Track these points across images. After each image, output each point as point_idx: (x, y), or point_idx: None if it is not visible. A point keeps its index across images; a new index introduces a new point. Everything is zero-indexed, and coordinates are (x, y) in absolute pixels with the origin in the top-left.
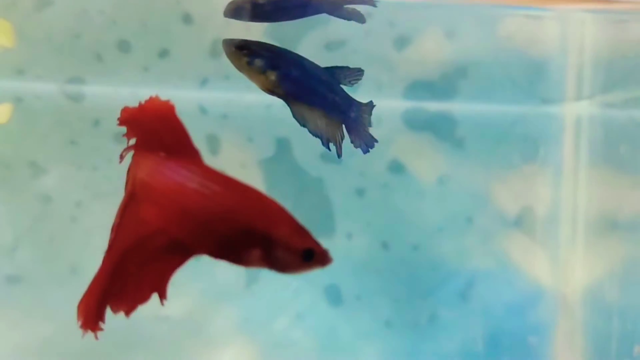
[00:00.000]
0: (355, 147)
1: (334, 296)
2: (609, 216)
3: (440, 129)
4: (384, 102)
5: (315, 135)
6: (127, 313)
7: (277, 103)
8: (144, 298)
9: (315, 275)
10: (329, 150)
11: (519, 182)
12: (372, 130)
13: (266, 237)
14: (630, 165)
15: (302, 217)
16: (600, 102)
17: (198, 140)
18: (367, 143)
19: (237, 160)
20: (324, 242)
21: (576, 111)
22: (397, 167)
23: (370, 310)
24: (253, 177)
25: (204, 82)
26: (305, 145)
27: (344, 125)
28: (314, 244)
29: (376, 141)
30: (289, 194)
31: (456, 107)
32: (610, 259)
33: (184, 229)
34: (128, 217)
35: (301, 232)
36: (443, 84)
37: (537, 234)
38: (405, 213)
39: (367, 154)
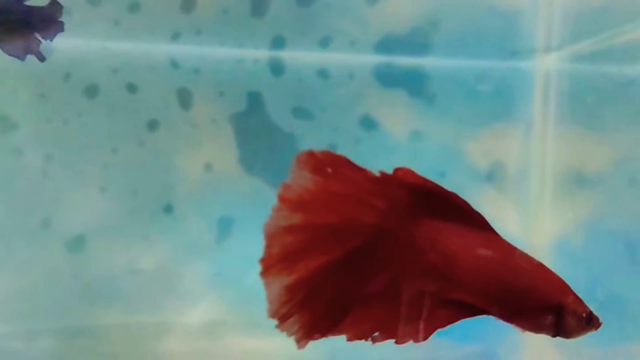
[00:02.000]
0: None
1: None
2: (576, 171)
3: (412, 84)
4: (356, 57)
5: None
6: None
7: (249, 58)
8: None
9: None
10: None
11: (491, 138)
12: (343, 86)
13: (559, 305)
14: (598, 120)
15: (274, 172)
16: (569, 54)
17: (169, 95)
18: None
19: (209, 114)
20: None
21: (546, 66)
22: (369, 123)
23: None
24: (224, 132)
25: (175, 36)
26: (278, 100)
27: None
28: (589, 308)
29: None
30: (261, 149)
31: (428, 62)
32: (577, 212)
33: (494, 296)
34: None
35: (579, 298)
36: (415, 39)
37: (508, 188)
38: (378, 168)
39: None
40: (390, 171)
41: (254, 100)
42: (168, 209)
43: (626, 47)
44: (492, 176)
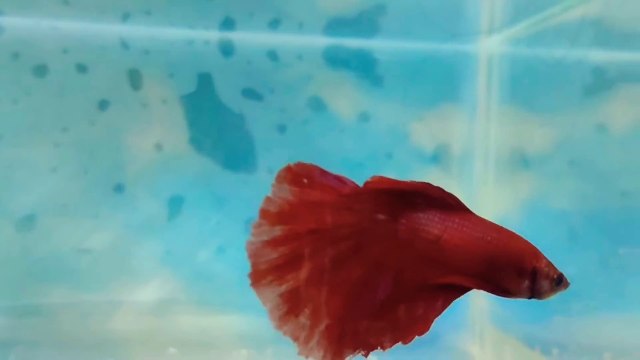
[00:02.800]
0: None
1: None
2: (518, 152)
3: (360, 66)
4: (305, 39)
5: None
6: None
7: (199, 39)
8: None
9: (236, 209)
10: None
11: (436, 120)
12: (292, 67)
13: (534, 270)
14: (538, 103)
15: (224, 153)
16: (511, 37)
17: (120, 76)
18: None
19: (159, 95)
20: (246, 178)
21: (489, 49)
22: (317, 104)
23: None
24: (174, 113)
25: (125, 17)
26: (227, 81)
27: None
28: (559, 270)
29: None
30: (211, 130)
31: (375, 44)
32: (518, 192)
33: (477, 271)
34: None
35: (550, 262)
36: (362, 22)
37: (453, 168)
38: (326, 149)
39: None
40: (337, 152)
41: (204, 81)
42: (119, 188)
43: (560, 29)
44: (437, 157)
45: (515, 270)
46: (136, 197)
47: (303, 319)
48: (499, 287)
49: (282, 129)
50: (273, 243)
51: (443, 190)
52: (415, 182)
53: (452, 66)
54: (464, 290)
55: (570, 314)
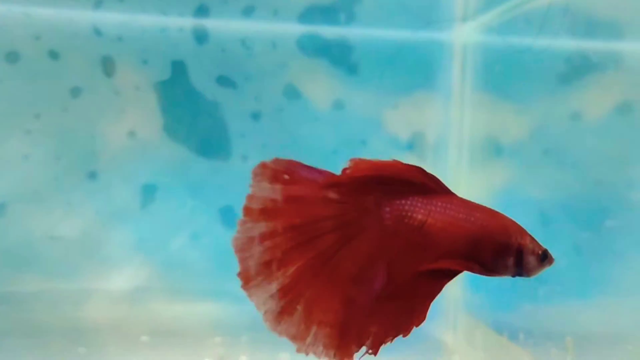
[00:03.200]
0: None
1: (228, 217)
2: (493, 140)
3: (334, 54)
4: (279, 26)
5: None
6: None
7: (173, 26)
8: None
9: (210, 197)
10: None
11: (411, 107)
12: (267, 55)
13: (519, 248)
14: (513, 91)
15: (198, 140)
16: (484, 25)
17: (93, 63)
18: None
19: (132, 82)
20: (220, 165)
21: (464, 37)
22: (292, 92)
23: None
24: (148, 100)
25: (98, 3)
26: (201, 68)
27: None
28: (543, 247)
29: None
30: (185, 117)
31: (350, 32)
32: (492, 180)
33: (464, 252)
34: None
35: (534, 238)
36: (338, 9)
37: (427, 156)
38: (301, 136)
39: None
40: (312, 139)
41: (178, 68)
42: (92, 175)
43: (532, 17)
44: (412, 144)
45: (501, 248)
46: (109, 184)
47: (297, 316)
48: (486, 267)
49: (256, 116)
50: (259, 238)
51: (424, 173)
52: (395, 163)
53: (427, 54)
54: (453, 274)
55: (537, 301)
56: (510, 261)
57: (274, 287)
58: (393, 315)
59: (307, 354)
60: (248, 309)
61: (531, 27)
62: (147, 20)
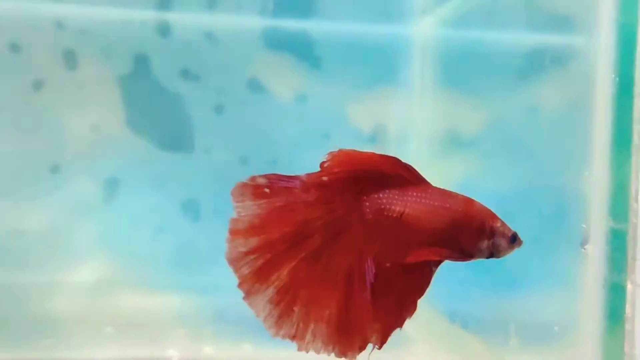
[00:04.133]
0: None
1: (192, 211)
2: (453, 133)
3: (298, 47)
4: (243, 20)
5: None
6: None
7: (136, 19)
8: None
9: (174, 190)
10: None
11: (374, 101)
12: (230, 48)
13: (491, 231)
14: (472, 85)
15: (161, 133)
16: (444, 18)
17: (55, 56)
18: None
19: (95, 76)
20: (183, 158)
21: (423, 31)
22: (255, 85)
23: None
24: (111, 93)
25: None
26: (164, 62)
27: None
28: (513, 230)
29: None
30: (148, 110)
31: (314, 26)
32: (452, 172)
33: (441, 238)
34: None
35: (503, 221)
36: (300, 3)
37: (390, 149)
38: (264, 129)
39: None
40: (276, 132)
41: (141, 61)
42: (55, 169)
43: (489, 10)
44: (375, 138)
45: (475, 232)
46: (73, 178)
47: (295, 317)
48: (462, 251)
49: (219, 109)
50: (251, 251)
51: (399, 163)
52: (371, 155)
53: (389, 48)
54: (436, 264)
55: (487, 290)
56: (484, 244)
57: (270, 291)
58: (389, 308)
59: (307, 351)
60: (212, 301)
61: (489, 21)
62: (110, 14)
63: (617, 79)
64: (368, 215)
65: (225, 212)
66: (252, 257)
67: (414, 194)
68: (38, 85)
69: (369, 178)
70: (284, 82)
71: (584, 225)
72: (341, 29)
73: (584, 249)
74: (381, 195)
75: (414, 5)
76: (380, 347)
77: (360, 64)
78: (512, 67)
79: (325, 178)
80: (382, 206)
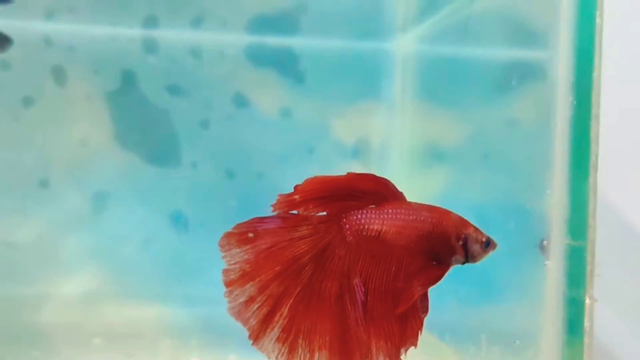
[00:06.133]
0: None
1: (178, 222)
2: (433, 146)
3: (282, 63)
4: (227, 37)
5: None
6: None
7: (123, 36)
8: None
9: (161, 203)
10: None
11: (356, 115)
12: (216, 65)
13: (465, 237)
14: (451, 99)
15: (148, 148)
16: (425, 34)
17: (44, 73)
18: None
19: (83, 92)
20: (170, 172)
21: (405, 46)
22: (240, 101)
23: (215, 237)
24: (99, 110)
25: (49, 14)
26: (151, 78)
27: None
28: (487, 235)
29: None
30: (135, 126)
31: (297, 42)
32: (432, 184)
33: (418, 251)
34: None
35: (477, 228)
36: (284, 20)
37: (372, 162)
38: (249, 144)
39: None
40: (261, 147)
41: (128, 77)
42: (44, 183)
43: (466, 26)
44: (357, 151)
45: (450, 241)
46: (61, 192)
47: (300, 350)
48: (440, 260)
49: (205, 124)
50: (251, 300)
51: (375, 179)
52: (346, 177)
53: (371, 63)
54: (428, 281)
55: (462, 301)
56: (459, 251)
57: (276, 331)
58: (393, 328)
59: None
60: (198, 312)
61: (467, 37)
62: (98, 31)
63: (575, 101)
64: (349, 237)
65: (211, 224)
66: (255, 306)
67: (390, 210)
68: (27, 101)
69: (347, 198)
70: (269, 97)
71: (545, 242)
72: (324, 44)
73: (545, 264)
74: (359, 216)
75: (394, 22)
76: None
77: (343, 79)
78: (491, 82)
79: (297, 197)
80: (361, 226)
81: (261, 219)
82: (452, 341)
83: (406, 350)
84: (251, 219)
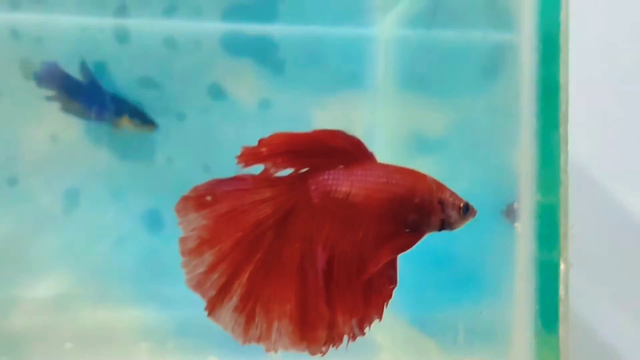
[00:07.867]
0: None
1: (153, 221)
2: (419, 136)
3: (259, 52)
4: (202, 25)
5: None
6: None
7: (94, 26)
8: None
9: (135, 201)
10: None
11: (339, 104)
12: (190, 54)
13: (441, 202)
14: (436, 86)
15: (121, 142)
16: (406, 19)
17: (11, 65)
18: None
19: None
20: (144, 167)
21: (388, 32)
22: (217, 92)
23: None
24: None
25: (14, 5)
26: (123, 69)
27: None
28: (464, 200)
29: None
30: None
31: (275, 29)
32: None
33: (390, 216)
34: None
35: (454, 192)
36: (261, 6)
37: None
38: (227, 137)
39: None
40: (239, 139)
41: (99, 69)
42: (12, 181)
43: (451, 9)
44: None
45: (424, 205)
46: (31, 190)
47: (258, 319)
48: (412, 227)
49: (181, 117)
50: (210, 270)
51: (344, 137)
52: (313, 133)
53: (352, 50)
54: (397, 248)
55: (445, 298)
56: (434, 216)
57: (234, 300)
58: (355, 297)
59: (276, 351)
60: (175, 314)
61: (453, 20)
62: (67, 21)
63: (541, 46)
64: (315, 199)
65: None
66: (214, 276)
67: (359, 172)
68: None
69: (314, 156)
70: (247, 87)
71: (516, 205)
72: (303, 32)
73: (514, 226)
74: (327, 176)
75: (373, 5)
76: (353, 339)
77: (324, 67)
78: (477, 68)
79: (264, 149)
80: (328, 188)
81: (220, 181)
82: (435, 336)
83: (370, 324)
84: (209, 181)
